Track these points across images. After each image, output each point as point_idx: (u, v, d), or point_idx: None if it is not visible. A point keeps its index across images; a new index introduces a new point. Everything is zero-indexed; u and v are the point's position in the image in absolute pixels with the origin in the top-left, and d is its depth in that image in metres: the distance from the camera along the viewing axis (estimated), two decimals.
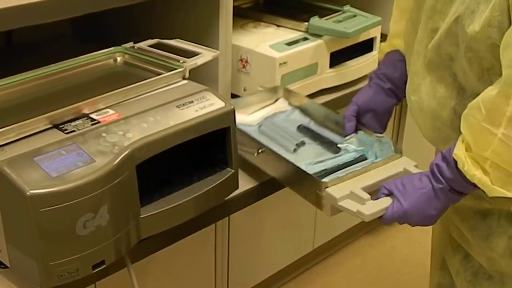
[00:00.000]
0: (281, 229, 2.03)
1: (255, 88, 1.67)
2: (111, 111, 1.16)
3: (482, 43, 1.00)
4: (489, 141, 0.96)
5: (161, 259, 1.62)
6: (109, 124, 1.13)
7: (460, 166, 1.02)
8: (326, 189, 1.19)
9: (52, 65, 1.31)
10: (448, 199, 1.07)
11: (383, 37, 1.61)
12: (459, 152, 1.02)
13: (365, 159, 1.32)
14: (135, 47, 1.39)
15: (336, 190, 1.18)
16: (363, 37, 1.80)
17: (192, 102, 1.21)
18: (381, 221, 1.15)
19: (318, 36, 1.72)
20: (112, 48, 1.39)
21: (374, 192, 1.17)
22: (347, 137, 1.38)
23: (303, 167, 1.29)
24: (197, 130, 1.18)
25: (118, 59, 1.38)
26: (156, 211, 1.15)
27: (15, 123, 1.05)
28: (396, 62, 1.33)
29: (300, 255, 2.17)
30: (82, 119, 1.14)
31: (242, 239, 1.89)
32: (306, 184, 1.25)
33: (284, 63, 1.63)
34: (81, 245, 1.04)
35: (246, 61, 1.67)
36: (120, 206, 1.08)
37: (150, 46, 1.40)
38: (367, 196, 1.15)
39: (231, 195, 1.30)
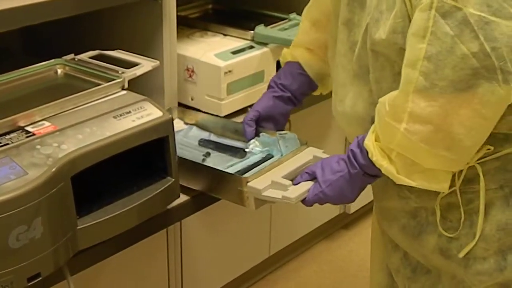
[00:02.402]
0: (236, 235, 2.04)
1: (202, 97, 1.68)
2: (47, 123, 1.17)
3: (390, 49, 1.04)
4: (394, 134, 1.03)
5: (109, 269, 1.62)
6: (43, 136, 1.13)
7: (369, 155, 1.08)
8: (248, 184, 1.25)
9: None
10: (364, 181, 1.15)
11: None
12: (369, 142, 1.08)
13: (272, 157, 1.40)
14: (76, 59, 1.40)
15: (258, 182, 1.25)
16: None
17: (130, 112, 1.22)
18: (304, 204, 1.22)
19: (264, 44, 1.74)
20: (52, 60, 1.39)
21: (293, 179, 1.25)
22: (250, 141, 1.43)
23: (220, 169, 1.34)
24: (133, 140, 1.18)
25: (59, 71, 1.38)
26: (94, 222, 1.15)
27: None
28: (296, 75, 1.41)
29: (256, 262, 2.17)
30: (17, 131, 1.14)
31: (195, 247, 1.89)
32: (226, 184, 1.30)
33: (230, 71, 1.64)
34: (15, 258, 1.03)
35: (192, 71, 1.68)
36: (55, 218, 1.08)
37: (91, 57, 1.40)
38: (288, 182, 1.23)
39: (173, 204, 1.31)
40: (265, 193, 1.24)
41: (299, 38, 1.45)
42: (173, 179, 1.27)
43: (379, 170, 1.08)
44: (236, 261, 2.09)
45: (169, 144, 1.25)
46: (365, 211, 2.45)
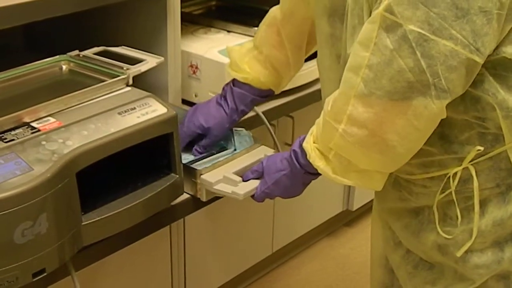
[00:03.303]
0: (239, 232, 2.04)
1: (206, 94, 1.68)
2: (52, 119, 1.17)
3: None
4: (332, 134, 1.07)
5: (113, 265, 1.62)
6: (49, 132, 1.13)
7: (308, 156, 1.14)
8: (201, 176, 1.32)
9: None
10: (306, 179, 1.22)
11: None
12: (307, 144, 1.15)
13: (226, 149, 1.44)
14: (80, 55, 1.40)
15: (210, 176, 1.33)
16: None
17: (134, 108, 1.22)
18: (254, 199, 1.30)
19: None
20: (57, 56, 1.39)
21: (242, 176, 1.32)
22: None
23: None
24: (138, 137, 1.18)
25: (64, 67, 1.38)
26: (98, 218, 1.15)
27: None
28: (249, 102, 1.44)
29: (259, 259, 2.17)
30: (23, 127, 1.14)
31: (198, 243, 1.90)
32: (185, 175, 1.34)
33: None
34: (20, 254, 1.04)
35: (196, 67, 1.68)
36: (60, 214, 1.08)
37: (95, 53, 1.40)
38: (238, 178, 1.31)
39: (177, 200, 1.31)
40: (216, 187, 1.31)
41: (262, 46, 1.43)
42: (177, 176, 1.27)
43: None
44: (239, 258, 2.09)
45: (173, 140, 1.25)
46: (367, 208, 2.45)
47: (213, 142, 1.43)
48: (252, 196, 1.30)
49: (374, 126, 1.02)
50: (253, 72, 1.41)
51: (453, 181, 1.09)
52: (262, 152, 1.42)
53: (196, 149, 1.43)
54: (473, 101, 1.03)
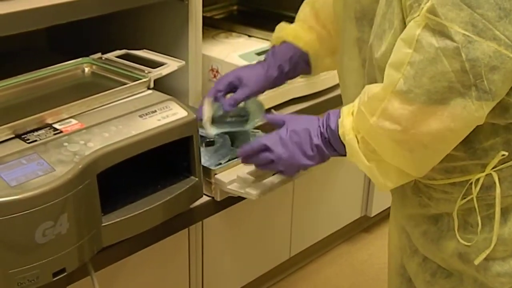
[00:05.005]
0: (256, 236, 2.05)
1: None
2: (74, 121, 1.18)
3: None
4: (364, 123, 1.07)
5: (132, 266, 1.64)
6: (71, 133, 1.14)
7: (340, 120, 1.12)
8: (215, 176, 1.34)
9: (20, 75, 1.33)
10: (323, 148, 1.15)
11: None
12: (345, 110, 1.12)
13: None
14: (103, 58, 1.41)
15: (224, 176, 1.35)
16: None
17: (155, 111, 1.23)
18: (261, 142, 1.19)
19: None
20: (80, 59, 1.41)
21: (258, 176, 1.33)
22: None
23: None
24: (158, 139, 1.20)
25: (86, 69, 1.40)
26: (118, 219, 1.17)
27: None
28: (299, 65, 1.39)
29: (276, 263, 2.17)
30: (45, 129, 1.15)
31: (216, 247, 1.90)
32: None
33: None
34: (41, 253, 1.05)
35: (217, 71, 1.69)
36: (81, 215, 1.10)
37: (118, 56, 1.42)
38: (252, 178, 1.32)
39: (196, 203, 1.32)
40: (230, 186, 1.33)
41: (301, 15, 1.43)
42: (197, 179, 1.28)
43: (341, 143, 1.11)
44: (257, 261, 2.09)
45: (193, 143, 1.26)
46: (386, 214, 2.43)
47: (246, 94, 1.35)
48: (264, 138, 1.20)
49: (408, 123, 1.01)
50: (297, 30, 1.40)
51: (475, 187, 1.09)
52: None
53: (227, 103, 1.36)
54: (502, 108, 1.02)
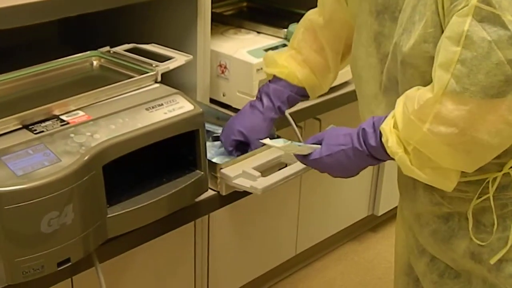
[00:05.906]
0: (263, 232, 2.05)
1: (234, 94, 1.70)
2: (81, 113, 1.19)
3: (421, 58, 1.05)
4: (415, 132, 1.02)
5: (137, 258, 1.64)
6: (77, 125, 1.15)
7: (384, 140, 1.07)
8: (221, 170, 1.33)
9: (29, 67, 1.34)
10: (365, 161, 1.13)
11: None
12: (386, 127, 1.07)
13: None
14: (111, 51, 1.42)
15: (230, 170, 1.34)
16: None
17: (162, 105, 1.24)
18: (305, 163, 1.20)
19: None
20: (88, 52, 1.41)
21: (264, 171, 1.34)
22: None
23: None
24: (164, 132, 1.20)
25: (94, 62, 1.41)
26: (123, 211, 1.17)
27: None
28: (293, 99, 1.40)
29: (282, 260, 2.18)
30: (52, 120, 1.16)
31: (222, 241, 1.91)
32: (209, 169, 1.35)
33: (262, 68, 1.65)
34: (46, 243, 1.06)
35: (225, 67, 1.70)
36: (86, 205, 1.10)
37: (126, 50, 1.43)
38: (258, 173, 1.31)
39: (201, 197, 1.32)
40: (235, 181, 1.32)
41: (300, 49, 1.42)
42: (202, 173, 1.29)
43: (388, 155, 1.07)
44: (262, 258, 2.10)
45: (199, 137, 1.26)
46: (393, 214, 2.43)
47: (257, 146, 1.37)
48: (303, 158, 1.20)
49: (466, 124, 0.98)
50: (290, 66, 1.38)
51: (492, 187, 1.08)
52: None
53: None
54: None
